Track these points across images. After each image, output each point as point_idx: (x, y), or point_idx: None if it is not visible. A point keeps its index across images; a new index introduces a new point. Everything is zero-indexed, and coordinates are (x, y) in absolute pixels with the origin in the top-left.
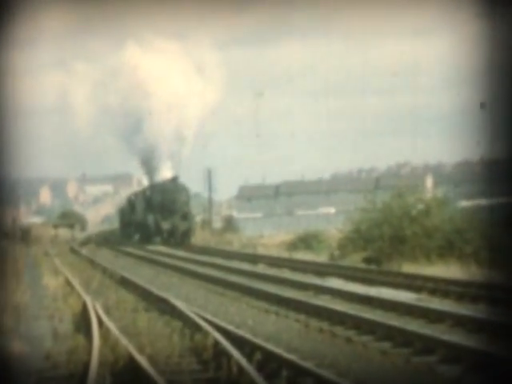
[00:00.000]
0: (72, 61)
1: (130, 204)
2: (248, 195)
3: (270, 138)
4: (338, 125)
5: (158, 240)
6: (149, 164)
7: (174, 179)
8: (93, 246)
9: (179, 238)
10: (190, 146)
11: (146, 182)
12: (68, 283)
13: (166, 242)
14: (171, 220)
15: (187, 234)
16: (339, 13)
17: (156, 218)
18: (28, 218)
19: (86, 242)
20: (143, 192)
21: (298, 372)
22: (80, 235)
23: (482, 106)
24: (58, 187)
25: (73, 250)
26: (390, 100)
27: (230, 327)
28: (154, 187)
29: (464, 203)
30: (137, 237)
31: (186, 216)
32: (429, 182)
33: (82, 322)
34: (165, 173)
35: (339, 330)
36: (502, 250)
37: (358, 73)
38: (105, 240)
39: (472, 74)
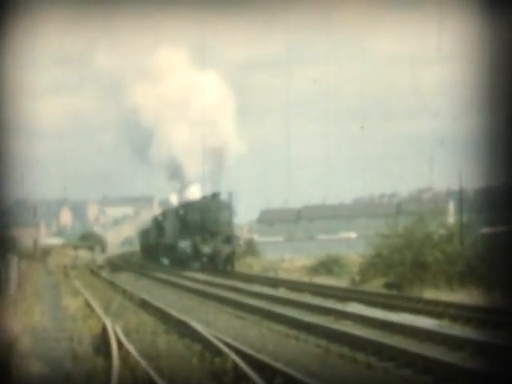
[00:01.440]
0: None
1: (157, 225)
2: (269, 219)
3: (291, 161)
4: (360, 149)
5: (196, 266)
6: (178, 182)
7: (215, 196)
8: (115, 271)
9: (221, 264)
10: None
11: (173, 201)
12: (88, 305)
13: (205, 268)
14: (212, 243)
15: (230, 259)
16: (357, 34)
17: (194, 240)
18: (48, 239)
19: (108, 266)
20: (175, 211)
21: None
22: (100, 257)
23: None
24: (78, 209)
25: (93, 272)
26: (411, 123)
27: (251, 351)
28: (188, 205)
29: (486, 229)
30: (165, 261)
31: (229, 238)
32: (451, 207)
33: (102, 344)
34: (192, 192)
35: (360, 355)
36: None
37: (378, 96)
38: (127, 263)
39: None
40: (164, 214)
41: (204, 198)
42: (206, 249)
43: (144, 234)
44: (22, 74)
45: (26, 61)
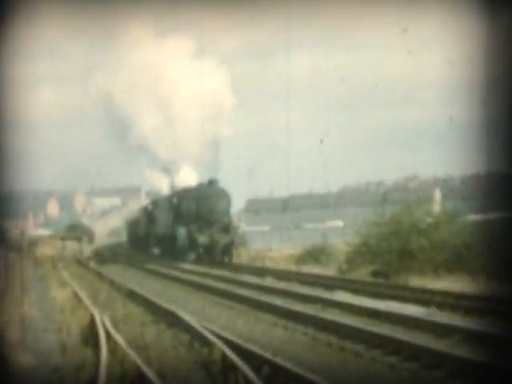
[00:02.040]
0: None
1: (148, 214)
2: (256, 208)
3: (278, 151)
4: (346, 138)
5: (191, 257)
6: (169, 168)
7: (212, 183)
8: (103, 260)
9: (219, 255)
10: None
11: (163, 190)
12: (76, 296)
13: (201, 260)
14: (209, 232)
15: (228, 249)
16: (345, 25)
17: (190, 230)
18: (36, 230)
19: (96, 256)
20: (168, 199)
21: None
22: (88, 248)
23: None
24: (65, 200)
25: (80, 263)
26: (398, 113)
27: (238, 341)
28: (183, 193)
29: (473, 217)
30: (157, 251)
31: (227, 228)
32: (437, 195)
33: (90, 335)
34: (185, 178)
35: (347, 343)
36: (511, 263)
37: (366, 86)
38: (115, 254)
39: (478, 87)
40: (155, 202)
41: (200, 185)
42: (203, 238)
43: (132, 225)
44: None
45: (24, 58)
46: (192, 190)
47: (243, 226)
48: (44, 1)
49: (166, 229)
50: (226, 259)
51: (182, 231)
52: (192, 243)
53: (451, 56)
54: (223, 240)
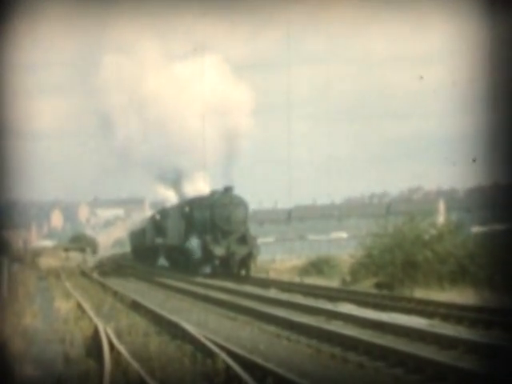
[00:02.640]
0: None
1: (156, 225)
2: (260, 219)
3: (283, 162)
4: (351, 149)
5: (206, 270)
6: (176, 177)
7: (228, 190)
8: (106, 272)
9: (236, 268)
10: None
11: (170, 199)
12: (79, 306)
13: (216, 273)
14: (225, 244)
15: (246, 261)
16: (351, 35)
17: (204, 240)
18: (39, 241)
19: (101, 267)
20: (179, 208)
21: None
22: (91, 258)
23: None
24: (69, 210)
25: (84, 274)
26: (403, 124)
27: (242, 352)
28: (196, 202)
29: (477, 228)
30: (165, 263)
31: (244, 238)
32: (441, 207)
33: (94, 346)
34: (198, 187)
35: (351, 355)
36: None
37: (370, 97)
38: (119, 265)
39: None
40: (163, 212)
41: (215, 192)
42: (219, 250)
43: (136, 235)
44: (19, 74)
45: (25, 61)
46: (206, 198)
47: None
48: (45, 4)
49: (176, 239)
50: (243, 272)
51: (195, 242)
52: (206, 255)
53: (454, 67)
54: (241, 252)
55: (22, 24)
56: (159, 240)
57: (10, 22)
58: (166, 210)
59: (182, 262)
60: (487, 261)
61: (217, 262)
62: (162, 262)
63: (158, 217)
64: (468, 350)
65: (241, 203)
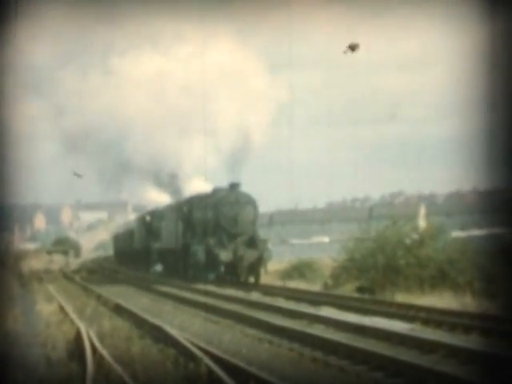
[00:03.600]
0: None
1: (147, 226)
2: None
3: (264, 166)
4: (333, 154)
5: (210, 276)
6: (171, 178)
7: (234, 187)
8: (90, 276)
9: (244, 274)
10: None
11: (161, 202)
12: (62, 310)
13: (222, 280)
14: (232, 247)
15: (256, 267)
16: (334, 41)
17: (207, 244)
18: (22, 244)
19: (83, 271)
20: (175, 209)
21: None
22: (74, 261)
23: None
24: (52, 213)
25: (67, 277)
26: (384, 130)
27: (224, 356)
28: (196, 201)
29: (457, 233)
30: (159, 269)
31: (253, 241)
32: (422, 211)
33: (76, 349)
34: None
35: (333, 359)
36: (495, 280)
37: (353, 103)
38: (103, 269)
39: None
40: (156, 213)
41: (218, 190)
42: (225, 255)
43: (121, 238)
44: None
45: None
46: (207, 196)
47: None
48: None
49: (172, 242)
50: (252, 279)
51: (197, 246)
52: (211, 260)
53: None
54: (250, 256)
55: (23, 24)
56: (150, 243)
57: (10, 22)
58: (159, 210)
59: (180, 268)
60: (467, 265)
61: (222, 268)
62: (157, 267)
63: (148, 218)
64: (448, 355)
65: (249, 202)
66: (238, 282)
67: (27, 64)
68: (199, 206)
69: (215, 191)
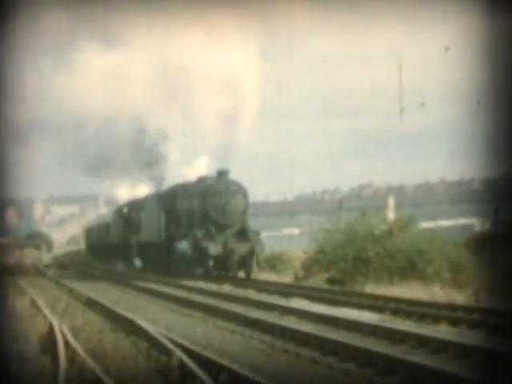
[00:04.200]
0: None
1: (124, 218)
2: None
3: (235, 159)
4: (302, 147)
5: (197, 271)
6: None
7: (223, 174)
8: (61, 270)
9: (234, 269)
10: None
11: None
12: (34, 304)
13: (210, 275)
14: (222, 240)
15: (247, 261)
16: (304, 34)
17: (196, 237)
18: None
19: (55, 265)
20: (159, 198)
21: None
22: (46, 256)
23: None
24: (24, 208)
25: (39, 271)
26: (354, 122)
27: (197, 348)
28: (179, 190)
29: (425, 224)
30: (138, 263)
31: (244, 233)
32: (391, 202)
33: (49, 344)
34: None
35: (304, 350)
36: (463, 270)
37: (323, 95)
38: (75, 263)
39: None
40: (135, 204)
41: (204, 178)
42: (214, 248)
43: (95, 232)
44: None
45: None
46: (193, 185)
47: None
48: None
49: (153, 235)
50: (244, 274)
51: (182, 239)
52: (198, 254)
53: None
54: (240, 249)
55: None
56: (129, 236)
57: (11, 22)
58: (139, 201)
59: (162, 262)
60: (435, 256)
61: (211, 263)
62: (137, 261)
63: (126, 209)
64: (417, 344)
65: (239, 190)
66: (228, 276)
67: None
68: (184, 196)
69: (200, 179)
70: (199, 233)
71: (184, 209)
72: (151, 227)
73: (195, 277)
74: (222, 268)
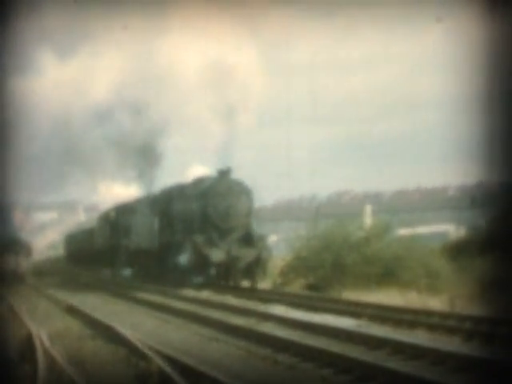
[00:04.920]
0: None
1: (111, 223)
2: None
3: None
4: (279, 153)
5: (197, 280)
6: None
7: (225, 174)
8: (41, 276)
9: (239, 277)
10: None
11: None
12: (12, 311)
13: (212, 284)
14: (225, 246)
15: (253, 269)
16: (281, 41)
17: (195, 243)
18: None
19: (34, 272)
20: (152, 201)
21: None
22: (25, 262)
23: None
24: (3, 213)
25: (18, 277)
26: (329, 129)
27: (175, 354)
28: (175, 192)
29: (402, 231)
30: (127, 272)
31: (249, 238)
32: (368, 209)
33: (27, 351)
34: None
35: (282, 357)
36: (439, 276)
37: (300, 102)
38: (56, 271)
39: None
40: (124, 208)
41: (203, 179)
42: (217, 255)
43: (76, 239)
44: None
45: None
46: (190, 185)
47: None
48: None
49: (145, 242)
50: (250, 283)
51: (180, 245)
52: (199, 262)
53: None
54: (246, 256)
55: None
56: (116, 242)
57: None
58: (128, 205)
59: (155, 271)
60: (412, 262)
61: (213, 271)
62: (126, 270)
63: (113, 214)
64: (394, 351)
65: (242, 191)
66: (232, 286)
67: None
68: (181, 198)
69: (199, 180)
70: (199, 238)
71: (181, 212)
72: (143, 233)
73: (192, 286)
74: (225, 277)
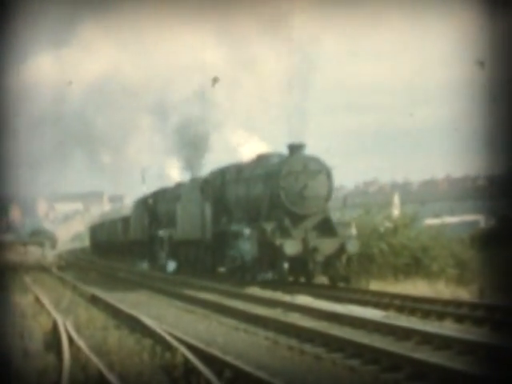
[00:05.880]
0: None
1: (149, 211)
2: None
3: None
4: (307, 143)
5: (264, 276)
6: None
7: (297, 149)
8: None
9: (318, 273)
10: None
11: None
12: (38, 301)
13: (284, 280)
14: (300, 235)
15: (333, 263)
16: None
17: (263, 231)
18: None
19: (59, 262)
20: (201, 185)
21: None
22: (50, 253)
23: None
24: (28, 204)
25: (43, 268)
26: (359, 118)
27: (200, 345)
28: (228, 173)
29: (430, 221)
30: (172, 266)
31: (329, 225)
32: (396, 199)
33: (53, 341)
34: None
35: (308, 347)
36: (468, 266)
37: (328, 90)
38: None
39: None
40: (163, 194)
41: (267, 155)
42: (291, 247)
43: (103, 229)
44: None
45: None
46: (253, 165)
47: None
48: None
49: (195, 231)
50: (328, 280)
51: (247, 234)
52: (268, 254)
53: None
54: (327, 247)
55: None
56: (157, 232)
57: (11, 22)
58: (170, 191)
59: (207, 265)
60: (440, 253)
61: (286, 265)
62: (171, 264)
63: (151, 201)
64: (421, 341)
65: (321, 169)
66: (307, 283)
67: None
68: (240, 180)
69: (264, 157)
70: (268, 226)
71: (241, 197)
72: (190, 221)
73: (258, 284)
74: (301, 272)
